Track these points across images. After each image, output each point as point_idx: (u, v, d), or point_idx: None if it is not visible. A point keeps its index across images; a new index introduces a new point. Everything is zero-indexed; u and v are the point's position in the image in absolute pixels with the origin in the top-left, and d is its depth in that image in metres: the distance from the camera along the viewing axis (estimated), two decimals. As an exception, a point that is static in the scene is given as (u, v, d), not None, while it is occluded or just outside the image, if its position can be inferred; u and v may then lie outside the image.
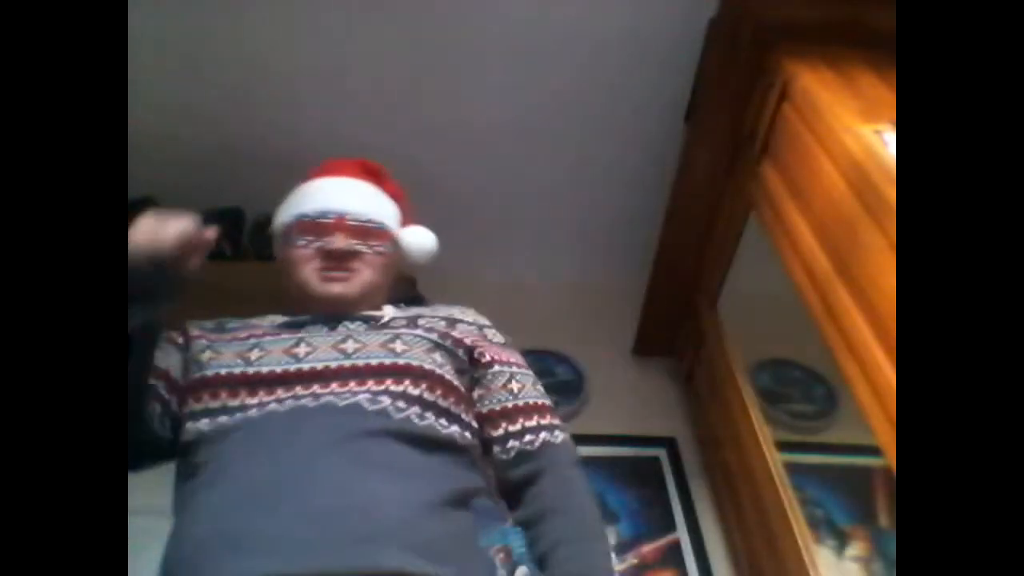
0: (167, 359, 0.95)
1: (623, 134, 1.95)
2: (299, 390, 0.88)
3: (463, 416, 0.94)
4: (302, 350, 0.93)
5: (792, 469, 1.38)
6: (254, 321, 1.03)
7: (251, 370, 0.90)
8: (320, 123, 1.90)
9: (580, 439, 1.88)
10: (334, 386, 0.88)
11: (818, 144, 1.22)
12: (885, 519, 1.61)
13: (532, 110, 1.89)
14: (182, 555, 0.77)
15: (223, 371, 0.90)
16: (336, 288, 1.00)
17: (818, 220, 1.22)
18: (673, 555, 1.65)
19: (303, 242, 1.01)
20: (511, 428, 0.97)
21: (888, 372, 0.96)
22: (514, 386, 1.00)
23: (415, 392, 0.89)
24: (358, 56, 1.80)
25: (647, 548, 1.66)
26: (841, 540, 1.57)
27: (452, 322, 1.05)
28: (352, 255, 1.01)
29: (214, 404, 0.88)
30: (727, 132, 1.58)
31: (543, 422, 0.98)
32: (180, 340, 0.99)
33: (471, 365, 1.01)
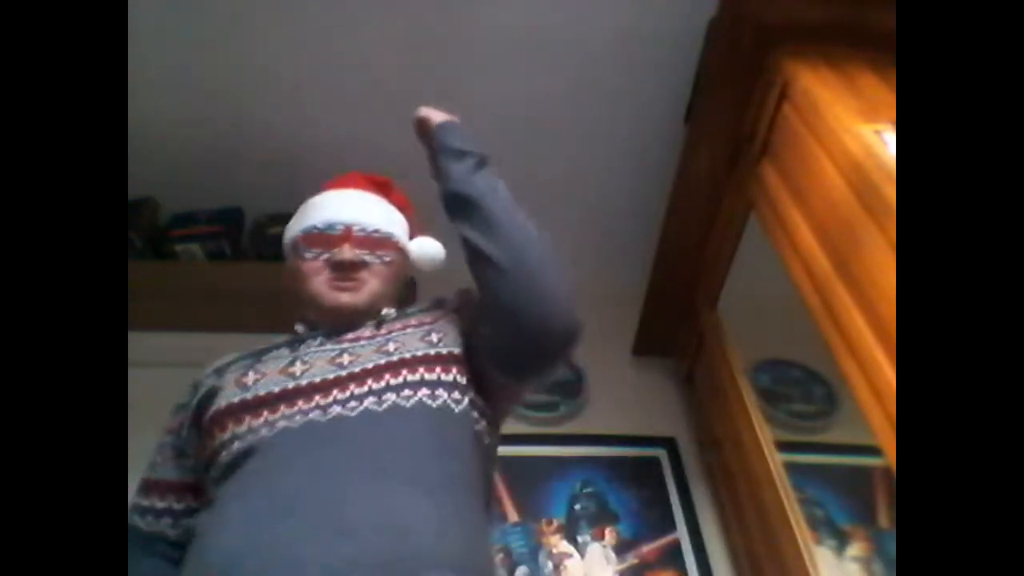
0: (166, 468, 0.99)
1: (623, 134, 1.95)
2: (301, 404, 0.89)
3: (470, 384, 0.96)
4: (298, 368, 0.95)
5: (792, 469, 1.38)
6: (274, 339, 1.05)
7: (249, 395, 0.92)
8: (319, 124, 1.91)
9: (580, 439, 1.92)
10: (335, 393, 0.89)
11: (818, 144, 1.22)
12: (885, 519, 1.61)
13: (532, 111, 1.89)
14: (211, 562, 0.76)
15: (224, 403, 0.92)
16: (344, 298, 1.02)
17: (818, 220, 1.22)
18: (673, 555, 1.65)
19: (311, 254, 1.04)
20: None
21: (888, 372, 0.96)
22: None
23: (416, 377, 0.91)
24: (357, 57, 1.80)
25: (647, 548, 1.66)
26: (841, 540, 1.57)
27: (439, 301, 1.10)
28: (360, 265, 1.03)
29: (225, 436, 0.89)
30: (727, 132, 1.58)
31: None
32: (177, 427, 1.01)
33: (467, 314, 1.04)
